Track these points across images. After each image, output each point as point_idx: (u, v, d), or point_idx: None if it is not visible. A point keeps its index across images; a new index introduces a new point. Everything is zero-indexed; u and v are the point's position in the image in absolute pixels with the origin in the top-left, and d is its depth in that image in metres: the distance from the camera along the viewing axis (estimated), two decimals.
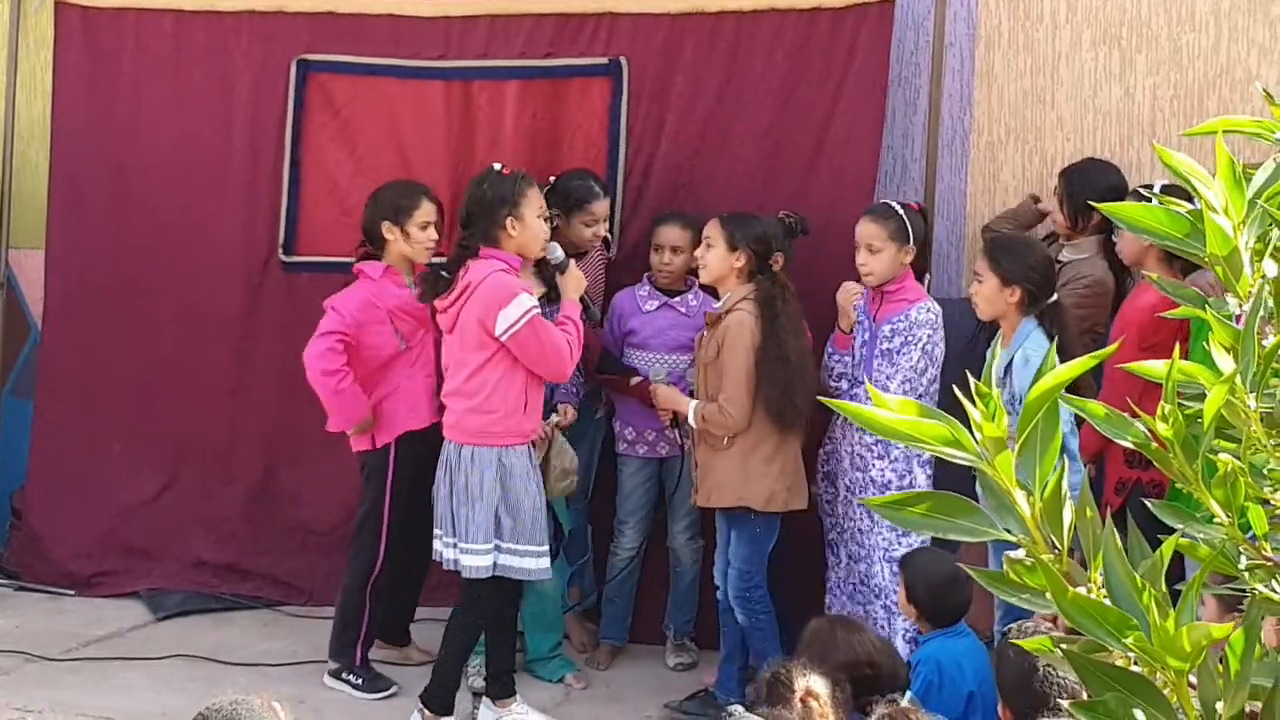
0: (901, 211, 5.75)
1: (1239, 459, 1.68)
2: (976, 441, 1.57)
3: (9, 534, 7.36)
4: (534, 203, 5.61)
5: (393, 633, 6.42)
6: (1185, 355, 5.25)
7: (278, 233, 6.87)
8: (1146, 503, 1.76)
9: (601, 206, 6.34)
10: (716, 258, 5.83)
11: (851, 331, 5.92)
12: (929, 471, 5.72)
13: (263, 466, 7.01)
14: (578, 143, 6.64)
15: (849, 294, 5.93)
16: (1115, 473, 5.68)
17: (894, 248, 5.70)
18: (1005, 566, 1.55)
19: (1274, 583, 1.66)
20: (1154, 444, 1.65)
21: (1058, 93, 6.52)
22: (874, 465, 5.74)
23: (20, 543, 7.25)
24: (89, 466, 7.07)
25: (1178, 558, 1.71)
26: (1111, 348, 1.78)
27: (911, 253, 5.73)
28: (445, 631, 5.78)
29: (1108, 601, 1.49)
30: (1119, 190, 5.99)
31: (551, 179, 6.41)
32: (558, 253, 5.81)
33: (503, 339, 5.48)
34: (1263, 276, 1.76)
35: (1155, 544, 1.64)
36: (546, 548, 5.68)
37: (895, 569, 5.53)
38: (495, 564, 5.61)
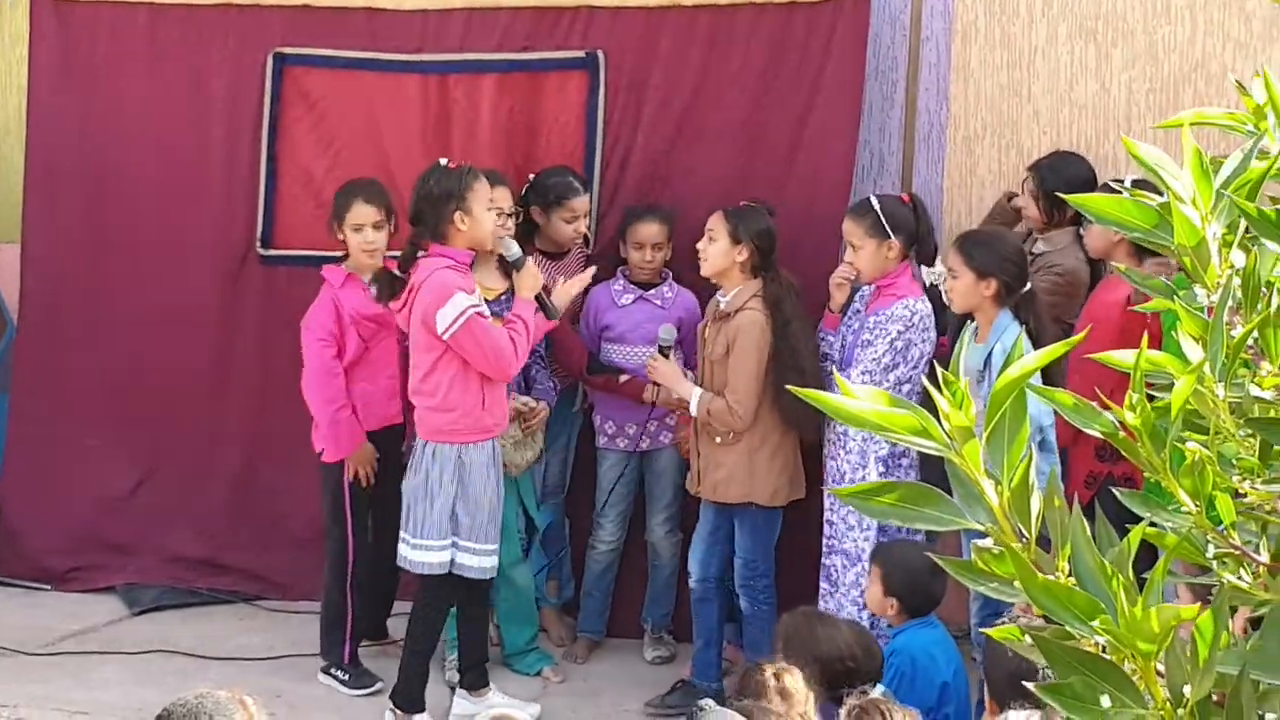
0: (878, 206, 5.71)
1: (1207, 449, 1.69)
2: (945, 431, 1.58)
3: None
4: (482, 195, 5.55)
5: (371, 630, 6.43)
6: (1158, 349, 5.28)
7: (255, 226, 6.86)
8: (1115, 491, 1.77)
9: (581, 202, 6.34)
10: (719, 251, 5.82)
11: (840, 313, 5.94)
12: (880, 470, 5.68)
13: (240, 461, 7.00)
14: (554, 136, 6.64)
15: (838, 274, 5.95)
16: (1085, 466, 5.70)
17: (873, 244, 5.68)
18: (974, 555, 1.56)
19: (1242, 572, 1.67)
20: (1122, 434, 1.66)
21: (1034, 86, 6.54)
22: (839, 455, 5.77)
23: None
24: (65, 461, 7.05)
25: (1150, 550, 1.72)
26: (1080, 335, 1.79)
27: (895, 247, 5.67)
28: (407, 630, 5.80)
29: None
30: (1090, 182, 6.02)
31: (531, 177, 6.41)
32: (514, 249, 5.79)
33: (445, 338, 5.47)
34: (1231, 267, 1.77)
35: (1124, 536, 1.64)
36: (495, 546, 5.68)
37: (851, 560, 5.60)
38: (452, 561, 5.62)
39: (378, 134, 6.74)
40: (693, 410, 5.88)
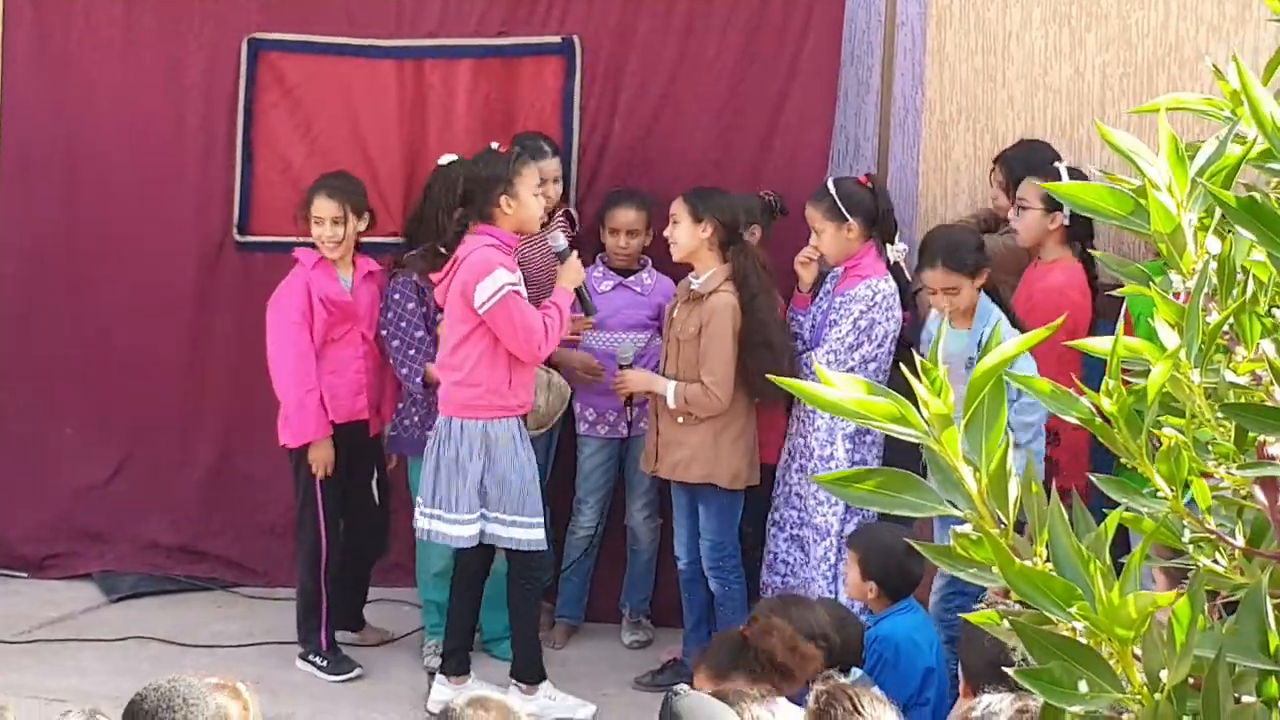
0: (833, 190, 5.83)
1: (1183, 434, 1.70)
2: (924, 419, 1.59)
3: None
4: (529, 181, 5.73)
5: (350, 620, 6.45)
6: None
7: (232, 213, 6.83)
8: (1092, 478, 1.78)
9: (550, 166, 6.30)
10: (684, 232, 5.88)
11: (810, 293, 6.01)
12: (848, 446, 5.76)
13: (217, 448, 6.98)
14: (531, 122, 6.62)
15: (801, 254, 6.02)
16: None
17: (832, 227, 5.80)
18: (952, 541, 1.57)
19: (1218, 555, 1.68)
20: (1098, 419, 1.67)
21: (1008, 71, 6.55)
22: (807, 434, 5.84)
23: None
24: (41, 448, 7.02)
25: (1126, 536, 1.74)
26: (1058, 321, 1.80)
27: (854, 229, 5.78)
28: (509, 612, 5.98)
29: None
30: (1057, 168, 6.05)
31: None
32: (561, 242, 5.92)
33: (481, 312, 5.58)
34: (1206, 253, 1.78)
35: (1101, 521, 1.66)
36: (540, 519, 5.82)
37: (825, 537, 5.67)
38: (483, 533, 5.71)
39: (354, 120, 6.72)
40: (670, 403, 5.91)
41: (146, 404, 6.95)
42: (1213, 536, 1.66)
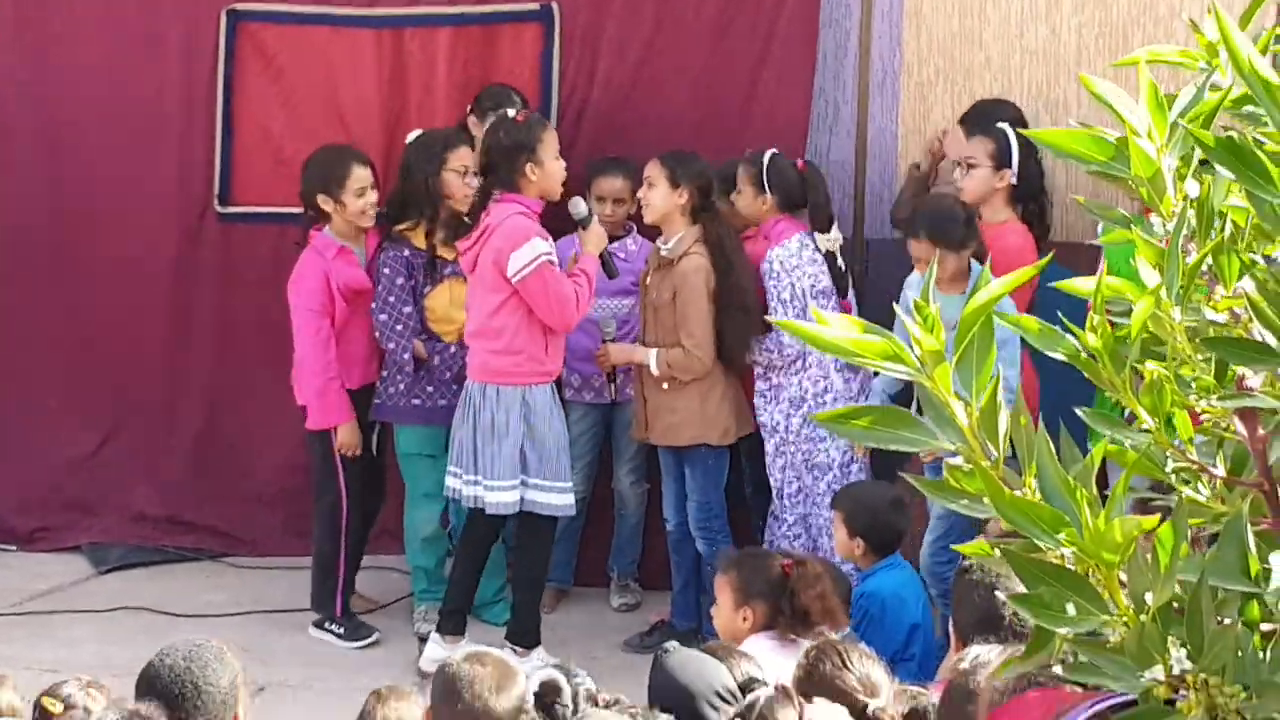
0: (766, 161, 5.96)
1: (1165, 370, 1.76)
2: (916, 356, 1.64)
3: None
4: (551, 146, 5.76)
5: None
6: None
7: (213, 184, 6.84)
8: (1078, 411, 1.84)
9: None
10: (660, 196, 5.92)
11: None
12: (846, 375, 5.94)
13: (203, 418, 7.00)
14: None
15: None
16: None
17: (751, 191, 5.97)
18: (945, 473, 1.62)
19: (1199, 485, 1.74)
20: (1084, 355, 1.72)
21: (985, 33, 6.59)
22: (768, 409, 6.01)
23: None
24: (26, 420, 7.04)
25: (1105, 474, 1.79)
26: (1044, 261, 1.85)
27: (767, 201, 5.95)
28: (513, 581, 6.07)
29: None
30: (1020, 122, 6.10)
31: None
32: (581, 208, 5.94)
33: (514, 281, 5.61)
34: (1185, 196, 1.84)
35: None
36: (570, 484, 5.89)
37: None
38: (522, 499, 5.77)
39: (334, 89, 6.73)
40: (653, 370, 5.96)
41: (131, 376, 6.97)
42: (1194, 467, 1.72)
